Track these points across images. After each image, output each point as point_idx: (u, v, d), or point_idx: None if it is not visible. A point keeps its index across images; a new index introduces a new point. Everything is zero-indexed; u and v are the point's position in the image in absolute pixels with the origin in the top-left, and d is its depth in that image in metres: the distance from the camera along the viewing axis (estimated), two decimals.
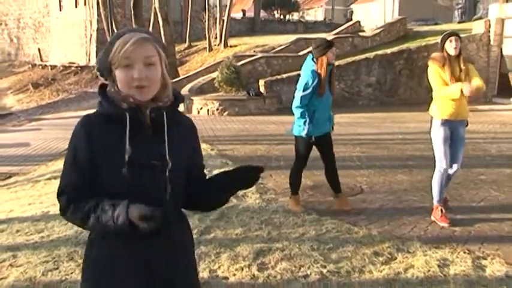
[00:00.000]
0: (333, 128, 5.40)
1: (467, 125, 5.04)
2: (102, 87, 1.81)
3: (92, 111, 1.82)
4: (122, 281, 1.77)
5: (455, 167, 5.01)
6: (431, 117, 4.97)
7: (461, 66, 4.73)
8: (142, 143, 1.72)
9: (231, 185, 1.88)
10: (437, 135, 4.89)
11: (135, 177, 1.70)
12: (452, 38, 4.70)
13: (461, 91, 4.49)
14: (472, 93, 4.50)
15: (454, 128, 4.88)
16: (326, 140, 5.26)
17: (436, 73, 4.78)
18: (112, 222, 1.64)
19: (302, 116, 5.07)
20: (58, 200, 1.78)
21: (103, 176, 1.73)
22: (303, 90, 5.02)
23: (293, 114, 5.23)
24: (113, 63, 1.72)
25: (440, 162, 4.91)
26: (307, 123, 5.04)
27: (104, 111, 1.75)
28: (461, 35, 16.17)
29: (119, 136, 1.70)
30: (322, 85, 5.03)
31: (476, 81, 4.60)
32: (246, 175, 1.87)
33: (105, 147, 1.71)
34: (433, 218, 4.97)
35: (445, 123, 4.85)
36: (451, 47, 4.71)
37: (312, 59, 5.12)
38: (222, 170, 6.89)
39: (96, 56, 1.90)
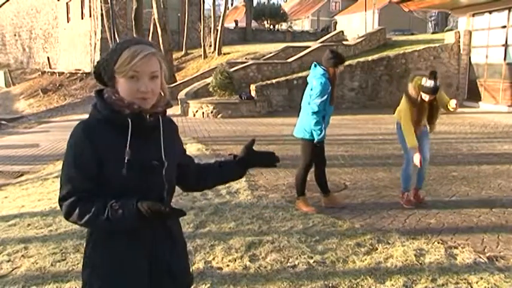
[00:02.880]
0: None
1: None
2: (99, 92, 1.73)
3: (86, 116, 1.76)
4: (133, 278, 1.73)
5: (424, 158, 5.06)
6: (397, 119, 5.16)
7: (429, 107, 4.90)
8: (142, 145, 1.70)
9: (250, 163, 2.14)
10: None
11: (136, 178, 1.67)
12: (431, 96, 4.78)
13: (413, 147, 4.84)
14: (417, 164, 4.83)
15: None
16: (323, 144, 5.13)
17: (406, 110, 4.96)
18: (123, 218, 1.57)
19: (320, 121, 4.86)
20: (61, 205, 1.66)
21: (106, 178, 1.66)
22: (321, 97, 4.79)
23: (301, 118, 5.06)
24: (118, 72, 1.65)
25: (407, 154, 5.13)
26: (323, 128, 4.89)
27: (103, 116, 1.68)
28: (435, 45, 16.00)
29: (120, 139, 1.66)
30: (334, 94, 4.90)
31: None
32: (266, 159, 2.17)
33: (107, 150, 1.65)
34: (401, 203, 5.23)
35: None
36: (425, 98, 4.83)
37: (321, 67, 4.88)
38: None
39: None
